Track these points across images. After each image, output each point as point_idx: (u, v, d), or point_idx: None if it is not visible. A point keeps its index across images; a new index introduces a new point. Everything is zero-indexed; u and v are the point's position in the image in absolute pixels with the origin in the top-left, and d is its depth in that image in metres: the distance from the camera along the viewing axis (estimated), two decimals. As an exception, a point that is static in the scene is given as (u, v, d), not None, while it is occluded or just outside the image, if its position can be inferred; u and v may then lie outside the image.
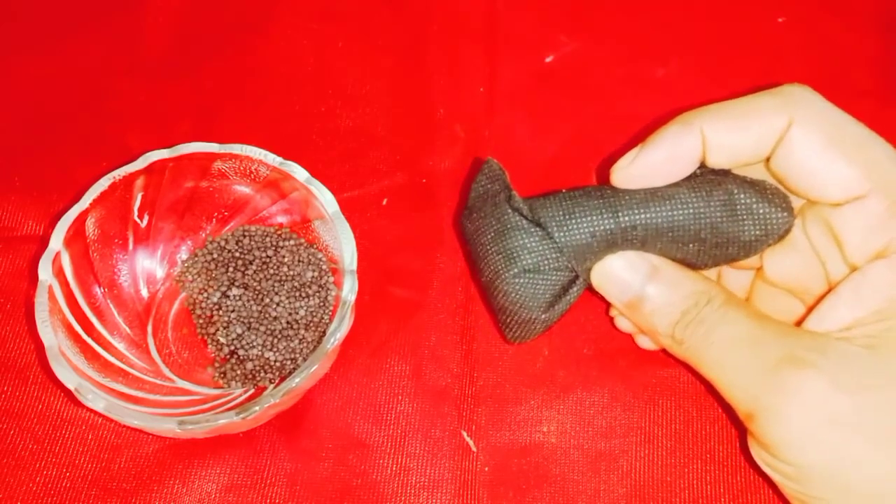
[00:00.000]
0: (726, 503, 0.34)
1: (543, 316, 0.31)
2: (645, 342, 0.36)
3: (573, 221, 0.30)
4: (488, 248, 0.31)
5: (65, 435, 0.36)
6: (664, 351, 0.37)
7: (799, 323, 0.30)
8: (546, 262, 0.30)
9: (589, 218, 0.30)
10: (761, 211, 0.29)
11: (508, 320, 0.32)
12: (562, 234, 0.30)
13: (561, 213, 0.30)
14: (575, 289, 0.31)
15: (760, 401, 0.27)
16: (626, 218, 0.30)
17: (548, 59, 0.46)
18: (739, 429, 0.35)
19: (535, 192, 0.32)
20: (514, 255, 0.30)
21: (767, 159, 0.29)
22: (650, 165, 0.30)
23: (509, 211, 0.31)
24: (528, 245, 0.30)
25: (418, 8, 0.47)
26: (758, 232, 0.30)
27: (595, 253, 0.30)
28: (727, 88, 0.38)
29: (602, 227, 0.30)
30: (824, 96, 0.29)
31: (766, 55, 0.45)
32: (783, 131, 0.28)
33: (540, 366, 0.37)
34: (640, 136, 0.31)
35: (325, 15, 0.48)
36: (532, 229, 0.30)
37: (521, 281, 0.30)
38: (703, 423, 0.36)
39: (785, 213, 0.30)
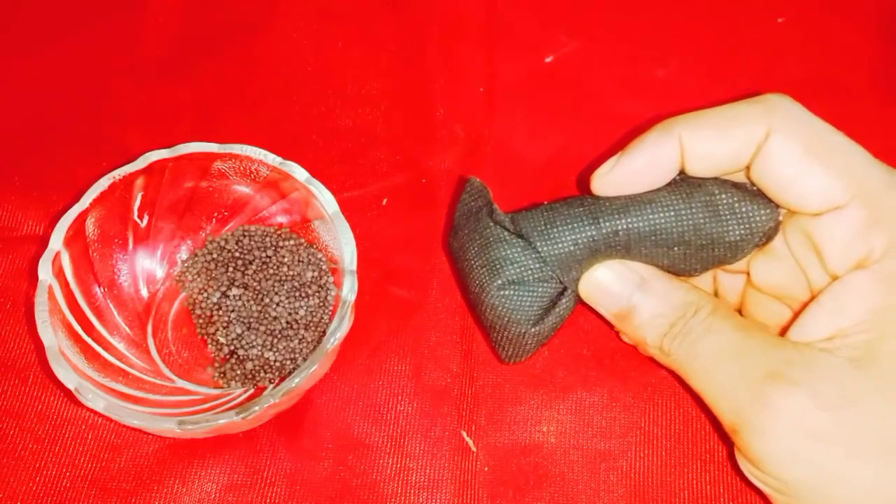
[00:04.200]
0: (726, 503, 0.34)
1: (533, 329, 0.31)
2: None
3: (555, 230, 0.30)
4: (472, 262, 0.31)
5: (65, 435, 0.36)
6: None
7: (786, 328, 0.29)
8: (530, 272, 0.30)
9: (570, 226, 0.30)
10: (744, 209, 0.29)
11: (499, 337, 0.31)
12: (544, 243, 0.30)
13: (542, 223, 0.30)
14: (564, 301, 0.31)
15: (744, 416, 0.27)
16: (608, 223, 0.29)
17: (547, 59, 0.46)
18: (727, 440, 0.35)
19: (534, 191, 0.32)
20: (498, 266, 0.30)
21: (749, 169, 0.29)
22: (629, 173, 0.30)
23: (491, 224, 0.31)
24: (511, 256, 0.30)
25: (418, 8, 0.47)
26: (742, 231, 0.29)
27: (579, 261, 0.30)
28: (727, 89, 0.38)
29: (584, 235, 0.30)
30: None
31: (766, 55, 0.45)
32: (762, 140, 0.28)
33: (540, 366, 0.37)
34: (633, 138, 0.31)
35: (325, 15, 0.48)
36: (514, 240, 0.30)
37: (507, 293, 0.30)
38: (703, 423, 0.36)
39: (769, 210, 0.29)
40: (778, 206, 0.30)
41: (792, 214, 0.29)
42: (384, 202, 0.42)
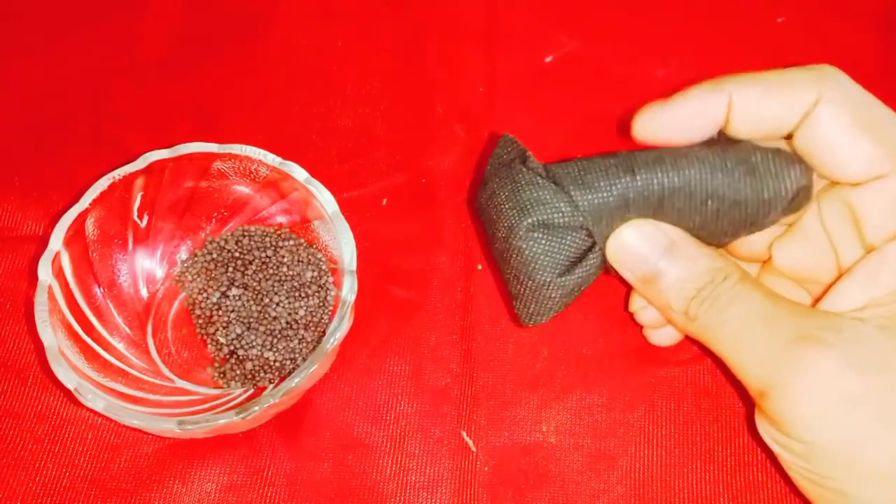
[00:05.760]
0: (726, 503, 0.34)
1: (559, 280, 0.30)
2: (657, 337, 0.36)
3: (589, 177, 0.30)
4: (502, 206, 0.30)
5: (65, 435, 0.36)
6: (664, 351, 0.37)
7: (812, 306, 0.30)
8: (560, 215, 0.29)
9: (605, 173, 0.29)
10: (779, 165, 0.29)
11: (522, 289, 0.31)
12: (577, 189, 0.29)
13: (577, 170, 0.30)
14: (592, 257, 0.30)
15: (773, 378, 0.27)
16: (643, 173, 0.29)
17: (547, 59, 0.46)
18: (747, 404, 0.35)
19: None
20: (528, 206, 0.30)
21: (789, 136, 0.29)
22: (673, 120, 0.30)
23: (524, 170, 0.30)
24: (542, 198, 0.29)
25: (418, 8, 0.47)
26: (776, 187, 0.29)
27: (611, 212, 0.30)
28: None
29: (618, 183, 0.29)
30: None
31: (766, 55, 0.45)
32: (811, 106, 0.28)
33: (539, 366, 0.37)
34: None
35: (325, 15, 0.48)
36: (546, 184, 0.30)
37: (535, 235, 0.30)
38: (702, 423, 0.36)
39: (802, 167, 0.29)
40: (812, 171, 0.30)
41: (831, 186, 0.29)
42: (384, 202, 0.42)
